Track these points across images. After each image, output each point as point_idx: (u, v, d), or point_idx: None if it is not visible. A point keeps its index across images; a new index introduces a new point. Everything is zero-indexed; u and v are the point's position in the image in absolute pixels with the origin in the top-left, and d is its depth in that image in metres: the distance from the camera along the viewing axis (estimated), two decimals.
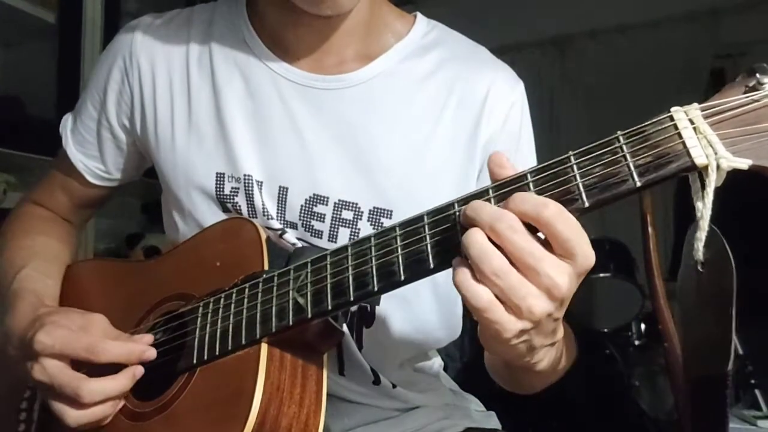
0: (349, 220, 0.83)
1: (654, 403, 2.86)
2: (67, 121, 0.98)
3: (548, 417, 2.49)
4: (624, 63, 3.38)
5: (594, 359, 2.71)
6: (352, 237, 0.83)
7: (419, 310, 0.86)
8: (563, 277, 0.51)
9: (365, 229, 0.83)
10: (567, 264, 0.52)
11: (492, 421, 0.99)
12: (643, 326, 2.83)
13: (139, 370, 0.72)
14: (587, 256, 0.52)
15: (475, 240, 0.52)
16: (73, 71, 1.99)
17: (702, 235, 0.52)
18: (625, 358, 2.71)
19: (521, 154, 0.89)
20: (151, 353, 0.72)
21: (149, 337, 0.74)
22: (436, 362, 1.01)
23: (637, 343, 2.81)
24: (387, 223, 0.82)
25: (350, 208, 0.83)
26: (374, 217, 0.83)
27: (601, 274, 2.69)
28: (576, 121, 3.51)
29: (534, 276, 0.51)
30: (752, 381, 2.43)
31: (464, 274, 0.53)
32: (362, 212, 0.83)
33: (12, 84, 2.02)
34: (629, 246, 2.77)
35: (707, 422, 0.59)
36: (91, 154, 0.96)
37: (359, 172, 0.83)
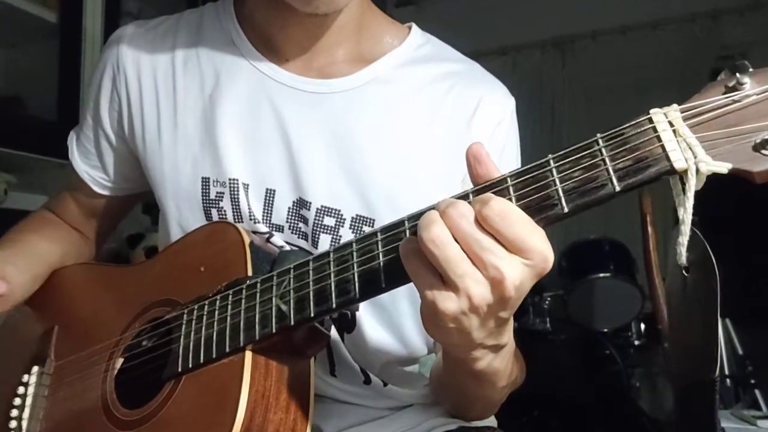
0: (331, 227, 0.83)
1: (653, 403, 2.85)
2: (73, 134, 1.00)
3: (547, 416, 2.50)
4: (624, 64, 3.38)
5: (594, 359, 2.71)
6: (333, 243, 0.83)
7: (398, 320, 0.86)
8: (512, 270, 0.50)
9: (346, 236, 0.83)
10: (520, 260, 0.51)
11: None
12: (642, 326, 2.82)
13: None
14: (543, 255, 0.51)
15: (426, 214, 0.53)
16: (74, 71, 1.99)
17: (684, 239, 0.52)
18: (625, 359, 2.71)
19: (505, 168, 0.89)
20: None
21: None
22: (429, 361, 1.01)
23: (636, 343, 2.81)
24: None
25: (332, 214, 0.83)
26: (356, 224, 0.83)
27: (601, 275, 2.69)
28: (577, 122, 3.51)
29: (480, 264, 0.50)
30: (752, 381, 2.42)
31: (408, 243, 0.54)
32: (344, 219, 0.83)
33: (12, 84, 2.03)
34: (629, 246, 2.76)
35: (696, 428, 0.60)
36: (94, 164, 0.97)
37: (344, 178, 0.83)
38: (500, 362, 0.65)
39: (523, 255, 0.50)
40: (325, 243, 0.83)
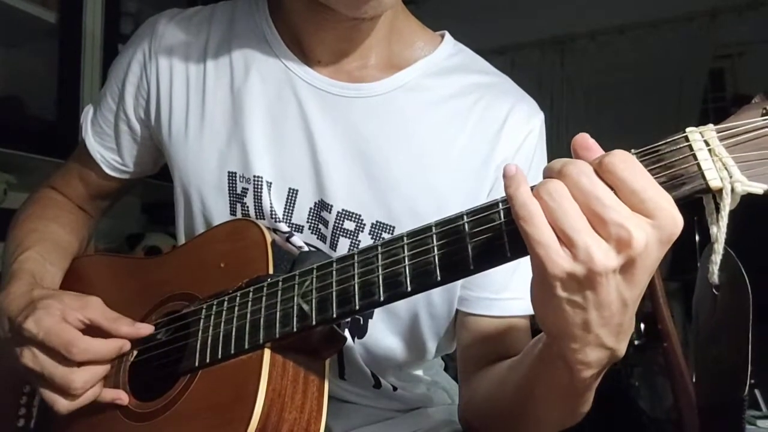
0: (351, 231, 0.82)
1: (653, 402, 2.86)
2: (88, 111, 0.99)
3: None
4: (623, 63, 3.39)
5: None
6: (351, 248, 0.83)
7: (413, 328, 0.86)
8: (638, 230, 0.45)
9: (365, 241, 0.82)
10: (645, 220, 0.46)
11: None
12: (642, 326, 2.82)
13: (126, 346, 0.73)
14: (672, 217, 0.46)
15: (546, 177, 0.49)
16: (73, 71, 1.98)
17: (717, 258, 0.51)
18: (625, 358, 2.71)
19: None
20: (126, 347, 0.74)
21: (149, 328, 0.75)
22: (437, 363, 1.02)
23: (636, 343, 2.82)
24: (388, 238, 0.82)
25: (353, 218, 0.82)
26: (376, 230, 0.82)
27: None
28: (576, 121, 3.52)
29: (601, 225, 0.46)
30: (752, 381, 2.43)
31: (518, 183, 0.49)
32: (364, 224, 0.82)
33: (12, 84, 2.02)
34: None
35: None
36: (108, 145, 0.96)
37: (366, 184, 0.83)
38: (599, 376, 0.57)
39: (649, 212, 0.46)
40: (344, 247, 0.83)
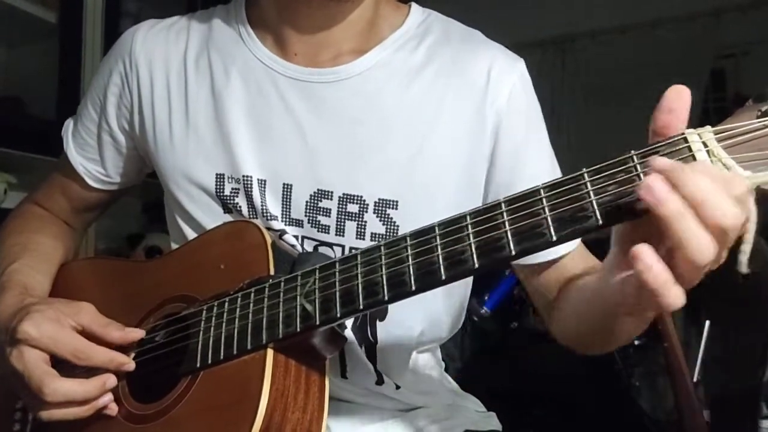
0: (355, 213, 0.83)
1: (654, 403, 2.86)
2: (69, 124, 0.99)
3: (547, 415, 2.50)
4: (625, 63, 3.38)
5: (594, 359, 2.71)
6: (359, 230, 0.84)
7: (432, 305, 0.87)
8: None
9: (372, 221, 0.83)
10: None
11: (492, 421, 1.00)
12: None
13: (111, 381, 0.72)
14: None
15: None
16: (74, 71, 1.98)
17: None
18: (625, 358, 2.71)
19: (533, 131, 0.89)
20: (130, 366, 0.74)
21: (140, 332, 0.76)
22: (438, 363, 1.02)
23: (637, 343, 2.81)
24: (393, 214, 0.83)
25: (355, 201, 0.83)
26: (380, 208, 0.83)
27: None
28: (577, 121, 3.51)
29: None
30: None
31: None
32: (367, 204, 0.83)
33: (12, 84, 2.02)
34: None
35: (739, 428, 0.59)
36: (91, 157, 0.97)
37: (361, 164, 0.83)
38: None
39: None
40: (350, 230, 0.83)
